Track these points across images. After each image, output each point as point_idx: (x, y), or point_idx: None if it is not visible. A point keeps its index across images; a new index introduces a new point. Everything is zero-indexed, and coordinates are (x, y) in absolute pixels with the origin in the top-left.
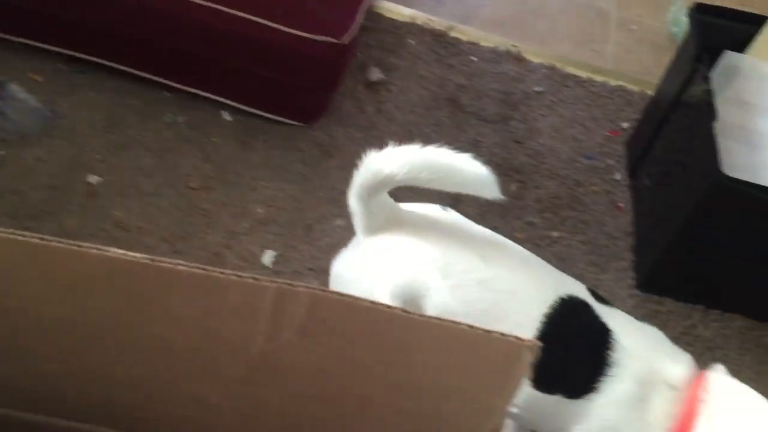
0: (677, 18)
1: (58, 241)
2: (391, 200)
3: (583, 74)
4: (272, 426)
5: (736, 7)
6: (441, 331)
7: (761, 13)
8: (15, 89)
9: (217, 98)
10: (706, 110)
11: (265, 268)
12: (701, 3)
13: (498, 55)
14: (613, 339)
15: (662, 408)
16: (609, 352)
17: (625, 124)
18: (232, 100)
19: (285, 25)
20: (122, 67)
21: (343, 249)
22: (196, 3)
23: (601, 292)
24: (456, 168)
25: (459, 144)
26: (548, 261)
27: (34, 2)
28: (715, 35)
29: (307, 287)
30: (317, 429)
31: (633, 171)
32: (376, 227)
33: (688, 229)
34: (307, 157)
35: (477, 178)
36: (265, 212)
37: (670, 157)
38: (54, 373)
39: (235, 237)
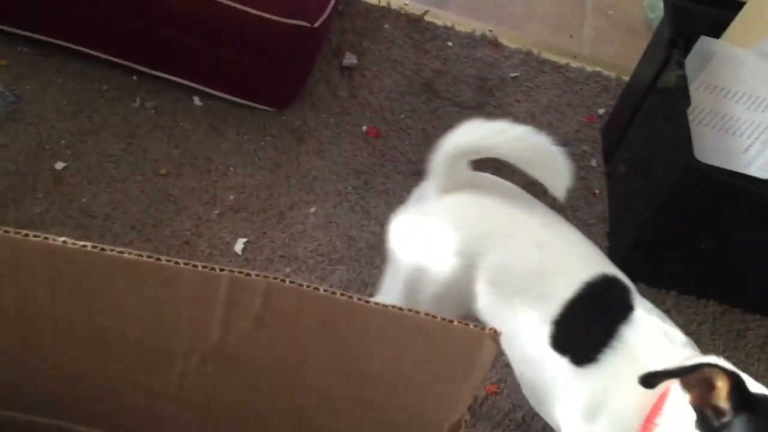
0: (654, 3)
1: None
2: (467, 163)
3: (559, 60)
4: (228, 417)
5: None
6: (400, 320)
7: None
8: None
9: (188, 83)
10: (680, 96)
11: (237, 255)
12: None
13: (474, 40)
14: (631, 317)
15: (644, 393)
16: (621, 326)
17: (601, 110)
18: (202, 84)
19: (256, 9)
20: (89, 51)
21: (403, 205)
22: None
23: None
24: (552, 158)
25: (434, 130)
26: None
27: None
28: (691, 20)
29: (262, 276)
30: (273, 420)
31: (608, 157)
32: (450, 186)
33: (660, 215)
34: (279, 143)
35: (560, 174)
36: (236, 199)
37: (645, 143)
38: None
39: (206, 224)
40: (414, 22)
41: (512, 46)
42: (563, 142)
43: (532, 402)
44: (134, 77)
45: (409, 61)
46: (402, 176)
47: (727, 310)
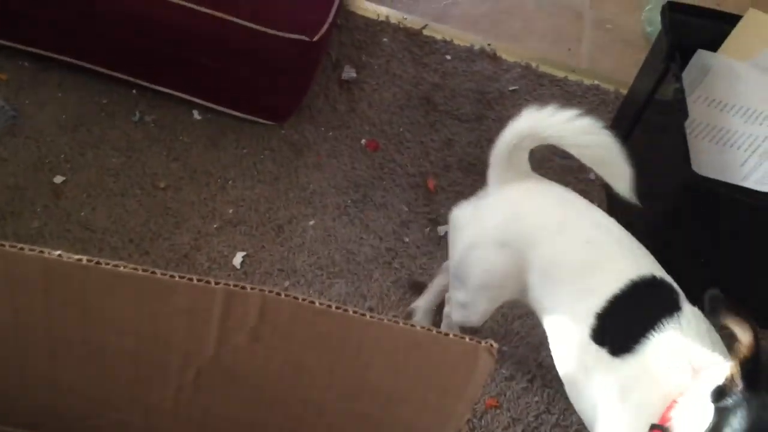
0: (652, 17)
1: None
2: (527, 157)
3: (558, 73)
4: (223, 431)
5: (709, 6)
6: (396, 334)
7: (734, 12)
8: None
9: (187, 97)
10: (678, 109)
11: (235, 269)
12: (674, 1)
13: (473, 54)
14: (678, 314)
15: (668, 387)
16: (664, 319)
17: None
18: (201, 98)
19: (255, 23)
20: (88, 65)
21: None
22: (165, 0)
23: None
24: (612, 154)
25: (433, 144)
26: None
27: None
28: (688, 34)
29: (257, 289)
30: None
31: None
32: (507, 179)
33: (659, 227)
34: (278, 156)
35: (620, 171)
36: (235, 212)
37: (642, 156)
38: None
39: (205, 238)
40: (413, 36)
41: (511, 59)
42: (562, 155)
43: (568, 389)
44: (134, 91)
45: (408, 74)
46: (401, 189)
47: None
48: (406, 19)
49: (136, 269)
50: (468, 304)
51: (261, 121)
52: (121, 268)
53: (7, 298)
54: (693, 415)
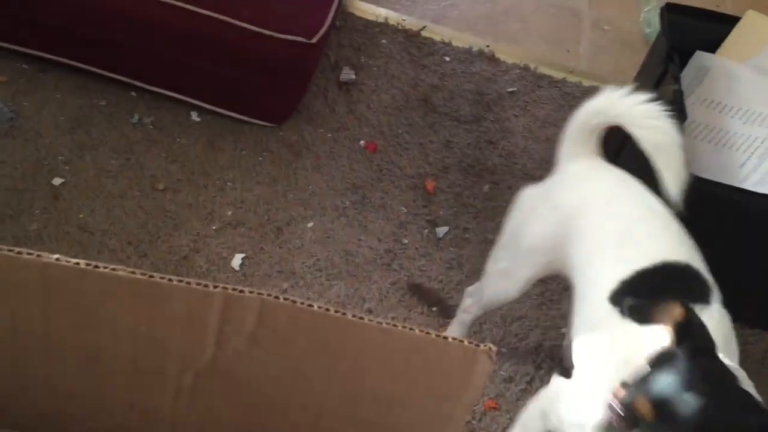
0: (650, 18)
1: None
2: (595, 139)
3: (556, 75)
4: None
5: (708, 8)
6: (395, 337)
7: (732, 14)
8: None
9: (185, 99)
10: (676, 110)
11: (234, 271)
12: (672, 3)
13: (471, 56)
14: (702, 305)
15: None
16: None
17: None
18: (200, 100)
19: (254, 25)
20: (87, 67)
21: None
22: (162, 2)
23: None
24: (669, 139)
25: (431, 145)
26: None
27: None
28: (686, 35)
29: (256, 292)
30: None
31: None
32: (574, 156)
33: None
34: (276, 158)
35: (675, 169)
36: (234, 214)
37: (642, 158)
38: None
39: (203, 240)
40: (411, 37)
41: (509, 61)
42: None
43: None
44: (132, 93)
45: (407, 76)
46: (399, 191)
47: None
48: (404, 20)
49: (133, 273)
50: (511, 271)
51: (259, 122)
52: (119, 272)
53: (5, 302)
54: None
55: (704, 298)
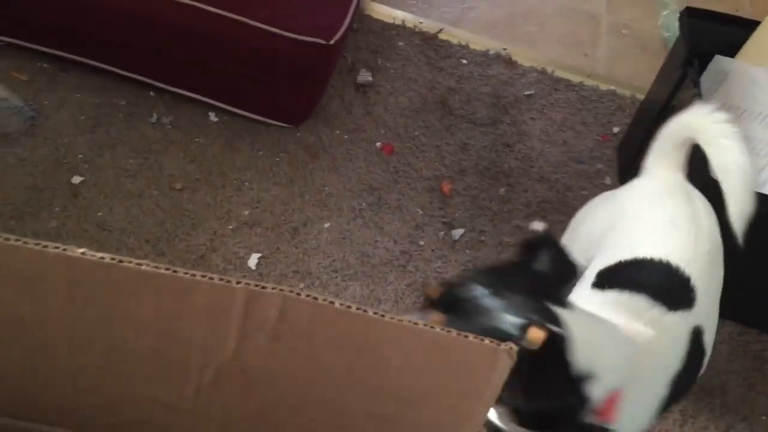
0: (669, 22)
1: (16, 239)
2: (682, 155)
3: (574, 78)
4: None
5: (727, 12)
6: (415, 335)
7: (752, 18)
8: None
9: (204, 99)
10: None
11: (250, 270)
12: (691, 7)
13: (488, 59)
14: (685, 306)
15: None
16: (670, 301)
17: (616, 129)
18: (218, 101)
19: (272, 26)
20: (107, 67)
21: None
22: (182, 3)
23: None
24: (740, 176)
25: (448, 147)
26: None
27: (17, 2)
28: (706, 39)
29: (278, 289)
30: None
31: (623, 176)
32: (657, 167)
33: None
34: (293, 159)
35: (741, 195)
36: (251, 214)
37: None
38: (15, 375)
39: (220, 239)
40: (428, 40)
41: (526, 64)
42: (578, 160)
43: None
44: (151, 93)
45: (424, 78)
46: (415, 193)
47: (743, 330)
48: (422, 23)
49: (157, 267)
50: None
51: (277, 123)
52: (143, 266)
53: (30, 296)
54: None
55: (690, 304)
